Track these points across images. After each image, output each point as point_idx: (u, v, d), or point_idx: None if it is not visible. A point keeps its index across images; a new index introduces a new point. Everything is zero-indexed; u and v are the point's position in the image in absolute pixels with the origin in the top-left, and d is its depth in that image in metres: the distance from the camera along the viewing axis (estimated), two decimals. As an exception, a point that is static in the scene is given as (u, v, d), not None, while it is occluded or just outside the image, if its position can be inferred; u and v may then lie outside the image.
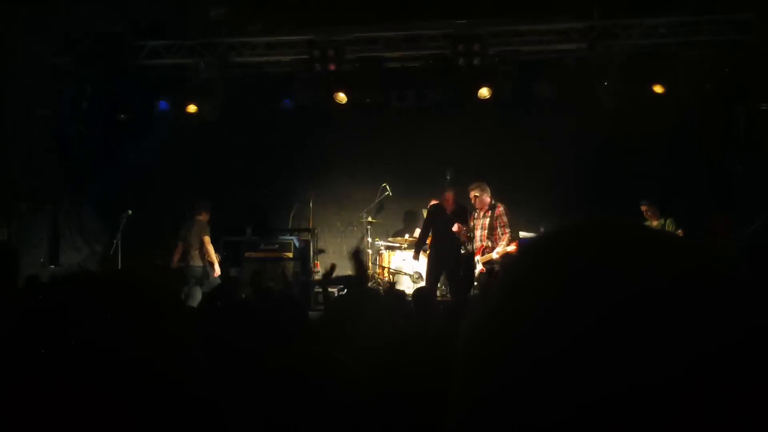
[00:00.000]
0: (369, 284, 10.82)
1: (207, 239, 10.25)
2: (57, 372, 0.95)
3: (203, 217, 10.37)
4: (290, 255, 10.95)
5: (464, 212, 9.66)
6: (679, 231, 9.55)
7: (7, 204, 9.84)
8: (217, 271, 10.24)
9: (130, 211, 10.24)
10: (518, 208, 10.18)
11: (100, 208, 11.81)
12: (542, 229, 9.15)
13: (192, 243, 10.27)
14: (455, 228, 9.41)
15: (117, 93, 11.88)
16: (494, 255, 9.53)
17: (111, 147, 12.07)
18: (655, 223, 9.78)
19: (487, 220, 9.62)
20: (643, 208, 9.93)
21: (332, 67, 11.22)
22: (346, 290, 9.15)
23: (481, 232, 9.66)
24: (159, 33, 11.61)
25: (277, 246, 11.02)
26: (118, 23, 11.35)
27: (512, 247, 9.33)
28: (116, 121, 12.02)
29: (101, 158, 11.94)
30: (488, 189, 9.74)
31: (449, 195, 9.65)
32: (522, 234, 9.86)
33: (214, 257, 10.28)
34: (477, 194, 9.60)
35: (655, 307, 0.56)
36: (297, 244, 11.12)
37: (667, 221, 9.76)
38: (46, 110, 10.90)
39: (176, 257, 10.35)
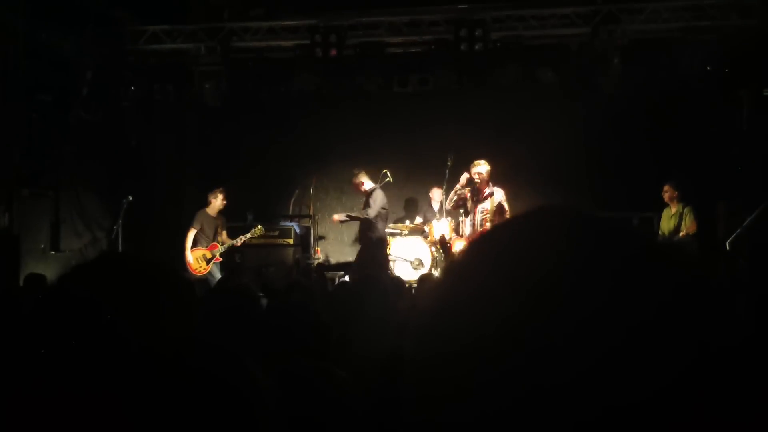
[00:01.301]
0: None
1: (189, 233, 9.67)
2: (66, 363, 0.95)
3: (202, 209, 9.84)
4: (291, 241, 10.93)
5: (367, 197, 9.93)
6: (691, 224, 9.51)
7: (9, 190, 9.82)
8: (194, 269, 9.52)
9: (131, 197, 10.16)
10: (519, 193, 10.14)
11: (102, 194, 11.79)
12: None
13: None
14: (335, 217, 10.10)
15: (118, 78, 11.85)
16: None
17: (112, 132, 12.03)
18: (674, 210, 9.73)
19: (488, 204, 9.18)
20: (666, 187, 9.77)
21: (334, 52, 11.17)
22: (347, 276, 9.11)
23: (483, 216, 9.19)
24: (160, 17, 11.57)
25: (277, 232, 11.00)
26: (119, 7, 11.31)
27: None
28: (117, 107, 11.98)
29: (102, 144, 11.91)
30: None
31: (353, 180, 10.14)
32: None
33: (185, 254, 9.62)
34: (489, 169, 9.12)
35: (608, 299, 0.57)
36: (298, 231, 11.10)
37: (686, 209, 9.65)
38: (47, 95, 10.86)
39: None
